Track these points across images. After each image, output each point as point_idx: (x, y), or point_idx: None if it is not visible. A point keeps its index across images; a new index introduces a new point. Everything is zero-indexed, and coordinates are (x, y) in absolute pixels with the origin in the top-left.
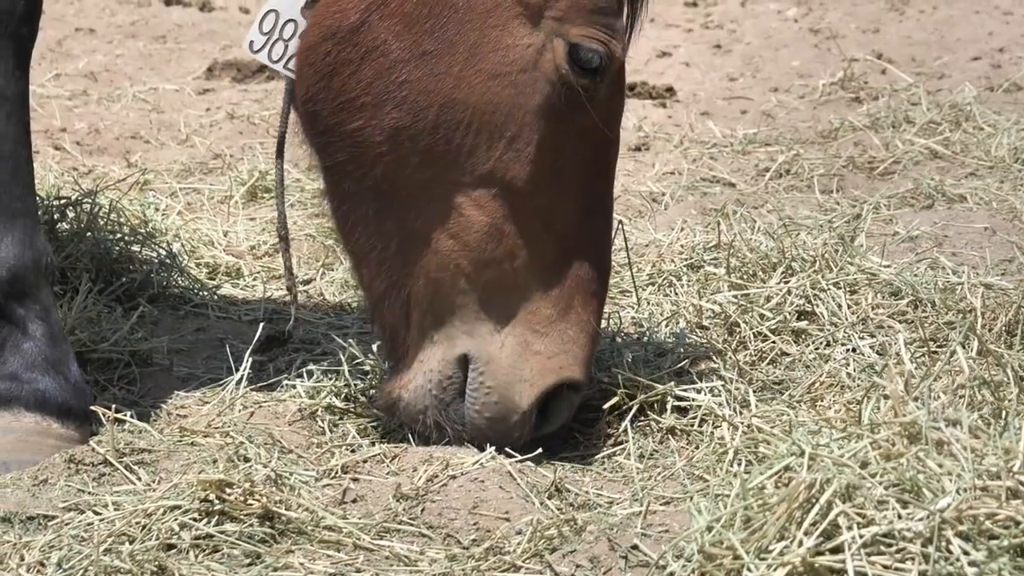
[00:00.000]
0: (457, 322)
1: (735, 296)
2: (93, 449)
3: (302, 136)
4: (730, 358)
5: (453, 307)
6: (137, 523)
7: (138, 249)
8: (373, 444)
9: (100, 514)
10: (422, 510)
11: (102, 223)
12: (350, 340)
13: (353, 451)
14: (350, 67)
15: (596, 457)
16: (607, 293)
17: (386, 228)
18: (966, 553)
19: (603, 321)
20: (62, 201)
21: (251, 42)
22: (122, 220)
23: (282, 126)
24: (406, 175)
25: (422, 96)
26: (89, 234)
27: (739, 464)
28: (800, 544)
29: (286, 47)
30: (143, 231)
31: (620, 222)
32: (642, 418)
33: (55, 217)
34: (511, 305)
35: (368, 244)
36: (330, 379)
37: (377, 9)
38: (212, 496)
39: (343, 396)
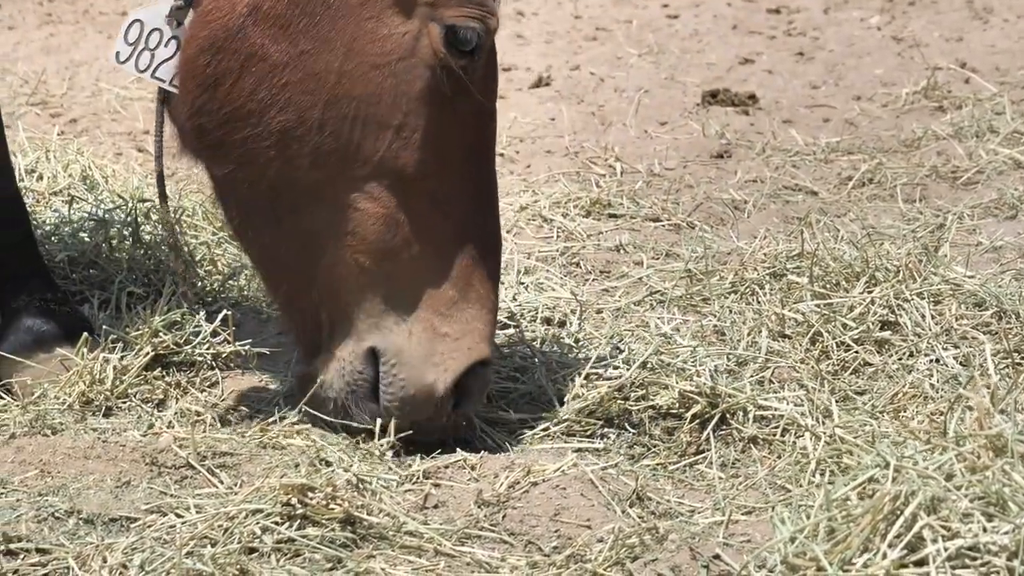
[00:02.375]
0: (363, 316)
1: (818, 305)
2: (176, 452)
3: (187, 147)
4: (812, 368)
5: (358, 302)
6: (219, 526)
7: (221, 252)
8: (454, 450)
9: (182, 517)
10: (503, 517)
11: (185, 226)
12: None
13: (434, 457)
14: (231, 76)
15: (678, 465)
16: (501, 263)
17: (284, 231)
18: None
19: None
20: (145, 204)
21: (117, 53)
22: (205, 223)
23: (158, 133)
24: (298, 177)
25: (305, 96)
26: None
27: (822, 475)
28: (884, 556)
29: (152, 56)
30: (226, 234)
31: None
32: (724, 427)
33: (139, 220)
34: (414, 293)
35: (269, 249)
36: None
37: (251, 15)
38: (294, 500)
39: None
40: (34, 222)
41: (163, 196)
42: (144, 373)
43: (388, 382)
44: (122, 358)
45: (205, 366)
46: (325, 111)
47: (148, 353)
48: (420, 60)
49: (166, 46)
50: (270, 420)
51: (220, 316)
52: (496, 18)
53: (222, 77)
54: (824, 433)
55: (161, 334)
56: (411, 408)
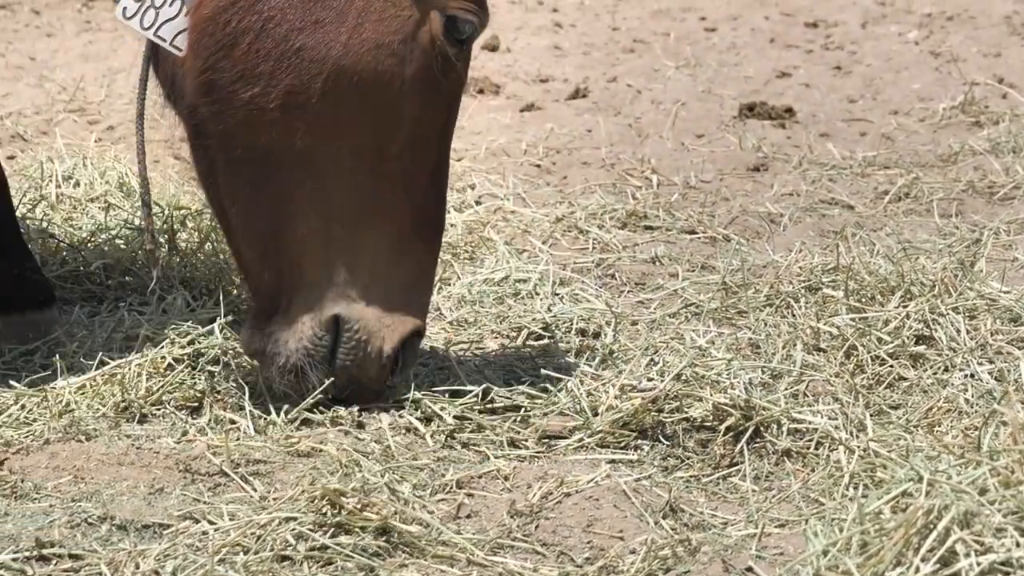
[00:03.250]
0: (330, 285)
1: (853, 319)
2: (209, 459)
3: (183, 102)
4: (847, 381)
5: (325, 271)
6: (252, 534)
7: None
8: (487, 459)
9: (215, 524)
10: (536, 527)
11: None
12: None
13: (468, 467)
14: (250, 35)
15: (711, 478)
16: (441, 242)
17: (263, 196)
18: None
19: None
20: (182, 211)
21: (124, 8)
22: (233, 249)
23: (141, 93)
24: (290, 143)
25: (314, 64)
26: (208, 245)
27: (855, 488)
28: (917, 570)
29: (156, 15)
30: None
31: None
32: (758, 440)
33: (175, 227)
34: (375, 265)
35: (245, 211)
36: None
37: None
38: (327, 508)
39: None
40: (71, 229)
41: (142, 151)
42: (177, 380)
43: (349, 346)
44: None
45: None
46: (327, 81)
47: (179, 359)
48: (419, 44)
49: (170, 6)
50: (304, 429)
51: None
52: (486, 14)
53: (241, 36)
54: (858, 447)
55: (197, 341)
56: (363, 367)
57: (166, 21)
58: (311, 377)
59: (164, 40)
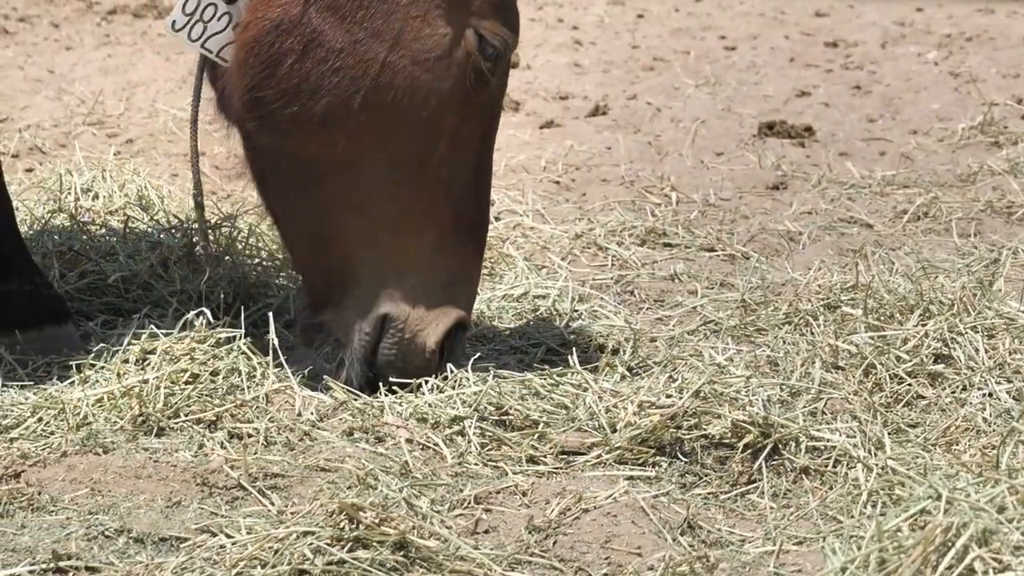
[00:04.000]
0: (376, 286)
1: (872, 337)
2: (227, 473)
3: (231, 115)
4: (865, 399)
5: (371, 272)
6: (269, 548)
7: (275, 274)
8: (505, 475)
9: (232, 537)
10: (554, 543)
11: (240, 247)
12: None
13: (486, 482)
14: (293, 56)
15: (729, 495)
16: (486, 243)
17: (307, 199)
18: None
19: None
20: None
21: (173, 22)
22: (260, 245)
23: (195, 100)
24: (334, 153)
25: (354, 82)
26: (227, 258)
27: (873, 506)
28: None
29: (205, 28)
30: (280, 256)
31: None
32: (776, 457)
33: (194, 240)
34: (420, 266)
35: (294, 213)
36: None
37: (315, 2)
38: (344, 523)
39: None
40: (89, 241)
41: (195, 153)
42: (196, 394)
43: (392, 340)
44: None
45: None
46: (367, 97)
47: (198, 373)
48: (455, 61)
49: (219, 20)
50: (322, 444)
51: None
52: (516, 39)
53: (284, 56)
54: (876, 465)
55: (216, 355)
56: (408, 359)
57: (214, 34)
58: (353, 371)
59: (211, 52)
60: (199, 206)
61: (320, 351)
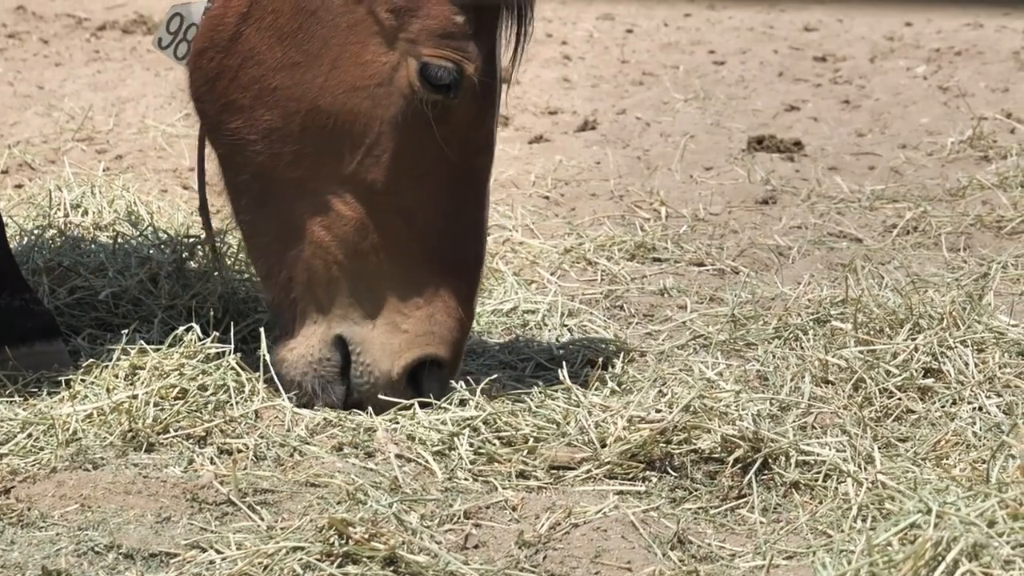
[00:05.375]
0: (333, 307)
1: (861, 352)
2: (216, 489)
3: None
4: (855, 414)
5: (329, 292)
6: (259, 563)
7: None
8: (495, 490)
9: (222, 553)
10: (544, 558)
11: (230, 263)
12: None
13: (475, 497)
14: (230, 72)
15: (719, 509)
16: (478, 283)
17: (266, 216)
18: None
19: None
20: (191, 240)
21: (159, 39)
22: (249, 260)
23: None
24: (280, 172)
25: (291, 102)
26: (217, 273)
27: (864, 520)
28: None
29: (188, 46)
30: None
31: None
32: (766, 472)
33: (184, 256)
34: (381, 292)
35: (251, 228)
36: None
37: (254, 22)
38: (334, 538)
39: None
40: (79, 257)
41: (201, 158)
42: (185, 409)
43: (357, 370)
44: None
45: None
46: (306, 119)
47: (187, 389)
48: (396, 89)
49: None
50: (312, 459)
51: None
52: (474, 64)
53: (222, 73)
54: (866, 479)
55: (205, 371)
56: (374, 390)
57: None
58: (324, 398)
59: None
60: (204, 209)
61: (283, 377)
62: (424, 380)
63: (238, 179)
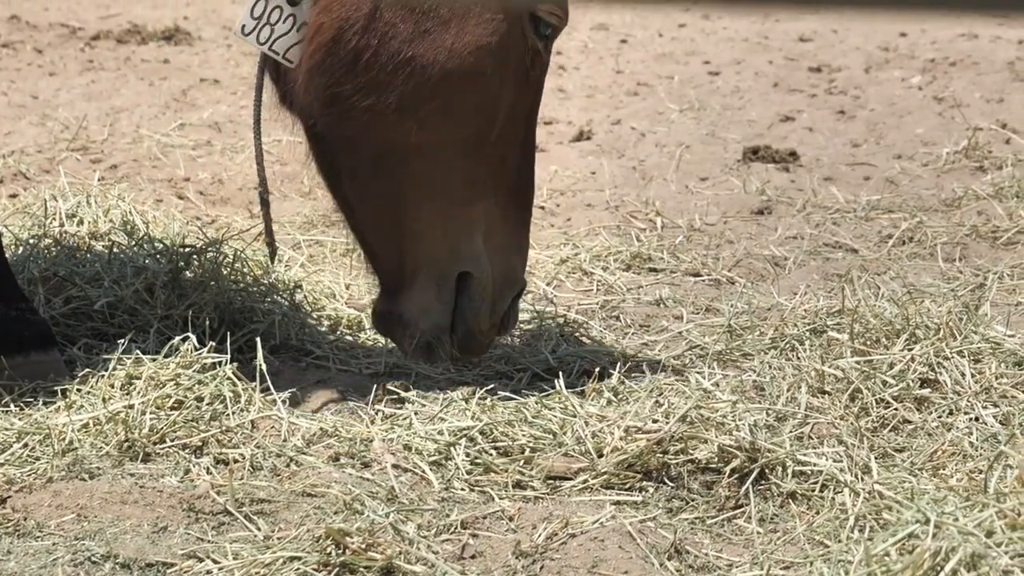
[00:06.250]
0: (451, 256)
1: (858, 362)
2: (213, 498)
3: (302, 111)
4: (852, 424)
5: (444, 246)
6: (256, 573)
7: (261, 300)
8: (492, 500)
9: (219, 563)
10: (541, 568)
11: (225, 273)
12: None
13: (472, 507)
14: (368, 52)
15: (716, 519)
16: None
17: (385, 184)
18: None
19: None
20: (186, 250)
21: (243, 26)
22: (245, 271)
23: (257, 100)
24: (406, 139)
25: (425, 69)
26: (213, 284)
27: (861, 530)
28: None
29: (272, 30)
30: (266, 282)
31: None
32: (763, 482)
33: (179, 265)
34: (486, 236)
35: (367, 201)
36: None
37: None
38: (331, 548)
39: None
40: (75, 267)
41: (259, 152)
42: (181, 419)
43: (473, 303)
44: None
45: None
46: (438, 83)
47: (184, 398)
48: (513, 42)
49: (284, 22)
50: (308, 469)
51: (258, 364)
52: (567, 17)
53: (362, 52)
54: (863, 489)
55: (203, 382)
56: (480, 321)
57: (280, 36)
58: (436, 341)
59: (278, 53)
60: (265, 203)
61: (407, 342)
62: (513, 307)
63: (355, 155)
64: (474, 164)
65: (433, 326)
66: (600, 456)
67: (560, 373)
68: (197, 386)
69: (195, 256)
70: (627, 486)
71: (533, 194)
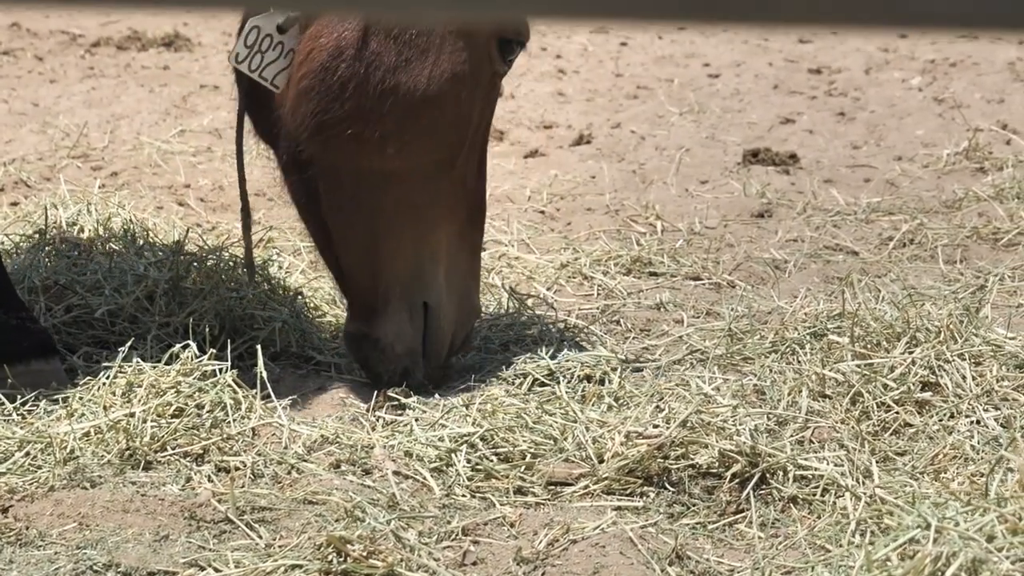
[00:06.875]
0: (419, 278)
1: (858, 366)
2: (214, 507)
3: (274, 140)
4: (853, 428)
5: (415, 268)
6: None
7: (261, 307)
8: (493, 506)
9: (220, 571)
10: (542, 574)
11: (225, 280)
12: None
13: (473, 513)
14: (356, 79)
15: (717, 524)
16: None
17: (361, 210)
18: None
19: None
20: (187, 257)
21: (237, 54)
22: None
23: (239, 128)
24: (382, 164)
25: (406, 97)
26: (213, 291)
27: (862, 535)
28: None
29: (262, 58)
30: (266, 289)
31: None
32: (764, 486)
33: (179, 273)
34: (449, 257)
35: (343, 226)
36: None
37: (370, 27)
38: (332, 556)
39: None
40: (75, 275)
41: (241, 168)
42: (183, 427)
43: (435, 334)
44: (160, 410)
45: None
46: (418, 110)
47: (184, 406)
48: (483, 67)
49: (273, 50)
50: (309, 476)
51: (258, 371)
52: (529, 36)
53: (348, 80)
54: (864, 493)
55: (203, 390)
56: (439, 351)
57: (269, 63)
58: (412, 365)
59: (266, 80)
60: (246, 227)
61: (376, 352)
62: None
63: (335, 181)
64: (442, 187)
65: (407, 350)
66: (601, 461)
67: (560, 378)
68: (198, 394)
69: (195, 263)
70: (628, 491)
71: (484, 212)
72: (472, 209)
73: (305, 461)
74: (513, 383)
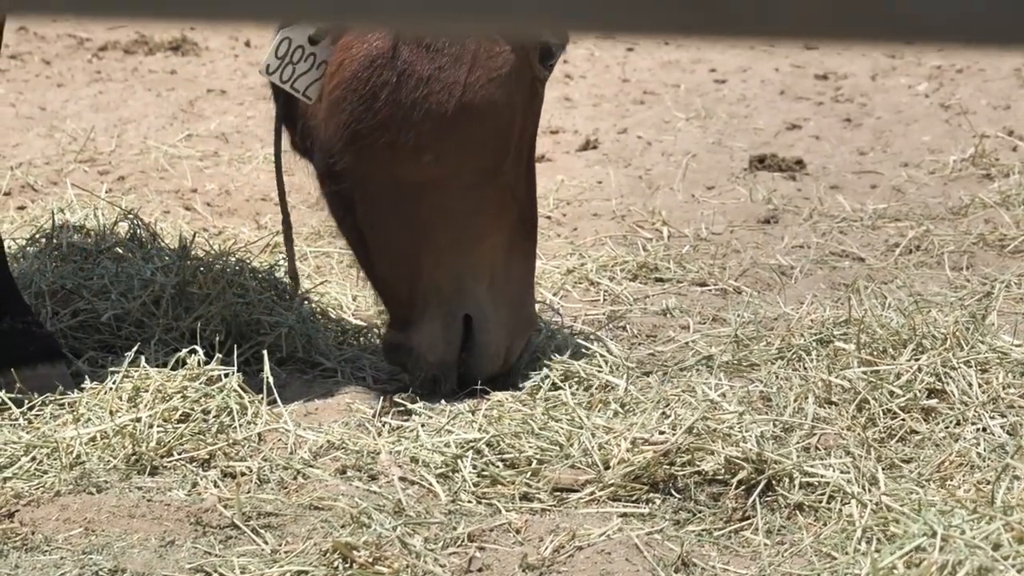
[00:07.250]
0: (460, 289)
1: (865, 372)
2: (220, 512)
3: (310, 150)
4: (859, 435)
5: (456, 279)
6: None
7: (267, 312)
8: (499, 512)
9: None
10: None
11: (231, 285)
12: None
13: (479, 520)
14: (388, 88)
15: (723, 531)
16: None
17: (399, 220)
18: None
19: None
20: (192, 262)
21: (267, 65)
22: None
23: (277, 139)
24: (422, 173)
25: (441, 105)
26: (219, 296)
27: (868, 543)
28: None
29: (294, 69)
30: (273, 294)
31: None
32: (769, 493)
33: (186, 277)
34: (496, 268)
35: (381, 235)
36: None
37: (402, 36)
38: (338, 562)
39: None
40: (82, 279)
41: (280, 177)
42: (189, 432)
43: (480, 343)
44: (166, 415)
45: (247, 424)
46: (454, 118)
47: (191, 412)
48: (522, 72)
49: (304, 61)
50: (315, 481)
51: (265, 376)
52: (569, 38)
53: (380, 89)
54: (870, 501)
55: (210, 395)
56: (483, 366)
57: (301, 75)
58: (442, 375)
59: (298, 91)
60: (288, 240)
61: (413, 373)
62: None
63: (371, 190)
64: (487, 194)
65: (439, 361)
66: (607, 468)
67: (567, 384)
68: (204, 399)
69: (201, 268)
70: (634, 498)
71: (536, 221)
72: (522, 217)
73: (311, 467)
74: (519, 389)
